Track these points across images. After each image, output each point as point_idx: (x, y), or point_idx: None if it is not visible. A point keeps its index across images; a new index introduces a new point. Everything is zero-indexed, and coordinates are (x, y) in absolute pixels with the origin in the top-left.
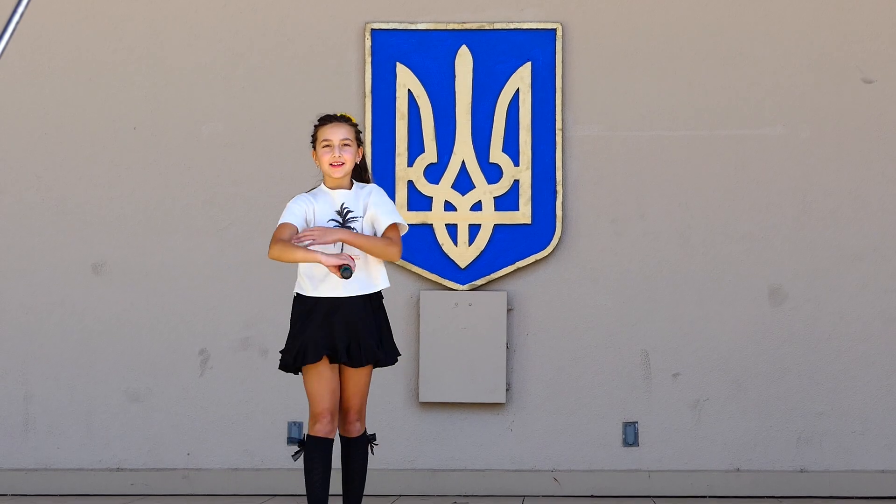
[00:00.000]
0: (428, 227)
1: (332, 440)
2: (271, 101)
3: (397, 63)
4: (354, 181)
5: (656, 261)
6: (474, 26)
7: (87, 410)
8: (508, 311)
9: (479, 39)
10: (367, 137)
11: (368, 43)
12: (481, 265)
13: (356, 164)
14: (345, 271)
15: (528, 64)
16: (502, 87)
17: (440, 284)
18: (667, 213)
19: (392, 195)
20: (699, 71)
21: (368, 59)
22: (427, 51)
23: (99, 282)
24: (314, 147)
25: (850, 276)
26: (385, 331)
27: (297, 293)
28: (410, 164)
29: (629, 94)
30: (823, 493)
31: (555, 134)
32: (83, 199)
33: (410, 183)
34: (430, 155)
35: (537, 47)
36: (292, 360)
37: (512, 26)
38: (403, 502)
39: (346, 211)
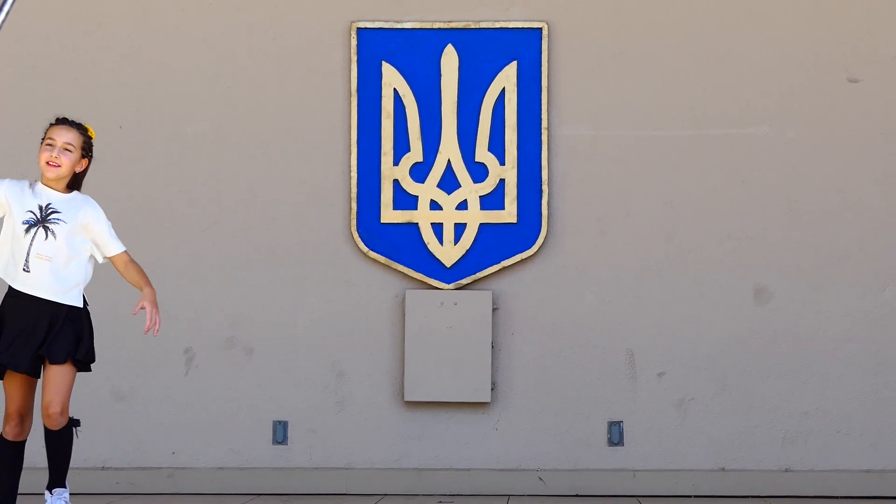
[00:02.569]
0: (413, 227)
1: (23, 443)
2: (257, 100)
3: (383, 62)
4: (75, 191)
5: (641, 260)
6: (460, 25)
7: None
8: (494, 310)
9: (464, 38)
10: (353, 136)
11: (354, 42)
12: (467, 264)
13: (76, 174)
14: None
15: (514, 63)
16: (488, 87)
17: (426, 283)
18: (652, 213)
19: (377, 194)
20: (685, 70)
21: (354, 58)
22: (413, 50)
23: None
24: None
25: (836, 276)
26: (86, 335)
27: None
28: (396, 163)
29: (615, 93)
30: (808, 492)
31: (540, 133)
32: None
33: (396, 182)
34: (415, 154)
35: (523, 46)
36: None
37: (498, 25)
38: (388, 501)
39: (50, 210)
